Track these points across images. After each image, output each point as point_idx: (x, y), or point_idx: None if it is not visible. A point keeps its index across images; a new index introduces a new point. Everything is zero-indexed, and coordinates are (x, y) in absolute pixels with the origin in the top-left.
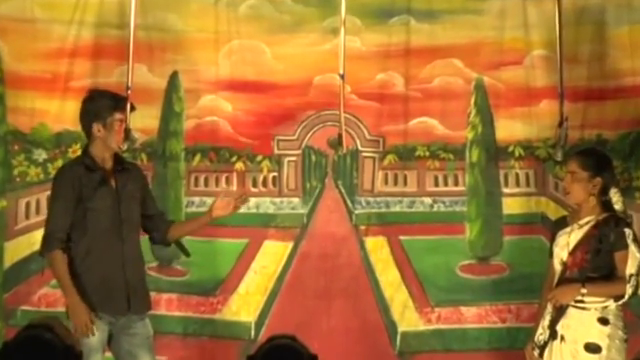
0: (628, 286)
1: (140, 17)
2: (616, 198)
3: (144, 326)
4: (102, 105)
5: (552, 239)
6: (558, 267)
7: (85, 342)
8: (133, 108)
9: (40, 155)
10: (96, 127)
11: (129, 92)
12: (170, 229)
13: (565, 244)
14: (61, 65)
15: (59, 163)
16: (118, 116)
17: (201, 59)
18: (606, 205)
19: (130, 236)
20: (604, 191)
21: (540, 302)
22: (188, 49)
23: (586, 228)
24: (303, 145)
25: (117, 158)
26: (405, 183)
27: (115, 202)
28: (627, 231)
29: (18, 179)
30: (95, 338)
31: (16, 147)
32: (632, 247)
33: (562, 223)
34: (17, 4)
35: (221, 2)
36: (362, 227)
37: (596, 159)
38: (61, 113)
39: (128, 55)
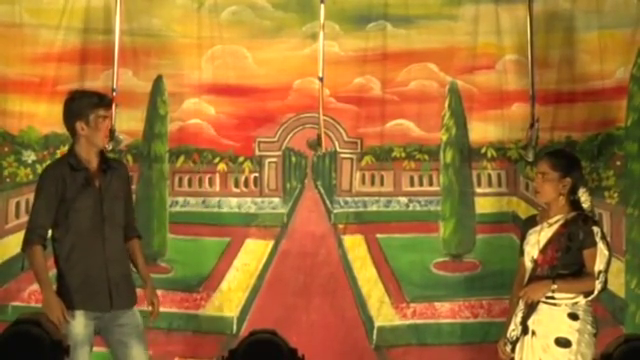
0: (597, 282)
1: (125, 23)
2: (584, 197)
3: (132, 316)
4: (84, 103)
5: (522, 238)
6: (529, 265)
7: (71, 337)
8: (111, 104)
9: (29, 156)
10: (79, 125)
11: (114, 95)
12: (128, 243)
13: (535, 242)
14: (49, 69)
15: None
16: (101, 113)
17: (185, 64)
18: (574, 204)
19: (112, 235)
20: (573, 191)
21: (511, 299)
22: (172, 54)
23: (555, 226)
24: (283, 147)
25: (102, 157)
26: (382, 183)
27: (98, 201)
28: (595, 229)
29: (8, 180)
30: (81, 333)
31: (6, 149)
32: (600, 244)
33: (532, 222)
34: (6, 10)
35: (204, 8)
36: (340, 226)
37: (566, 160)
38: (49, 116)
39: (114, 60)
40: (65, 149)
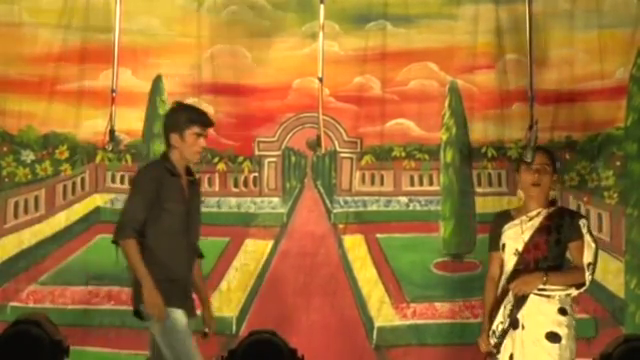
0: (587, 274)
1: (125, 22)
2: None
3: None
4: (181, 117)
5: (494, 233)
6: (512, 258)
7: (179, 328)
8: (211, 124)
9: (28, 156)
10: (174, 137)
11: (114, 95)
12: None
13: (518, 236)
14: (48, 68)
15: (47, 164)
16: (196, 130)
17: (184, 63)
18: (553, 200)
19: (195, 244)
20: None
21: (485, 294)
22: (171, 53)
23: (539, 219)
24: (283, 146)
25: (188, 170)
26: (382, 183)
27: (186, 210)
28: (582, 222)
29: (7, 180)
30: (186, 324)
31: (5, 149)
32: (587, 237)
33: (506, 217)
34: (5, 9)
35: (203, 8)
36: (340, 226)
37: (554, 158)
38: (48, 115)
39: (113, 59)
40: (64, 148)
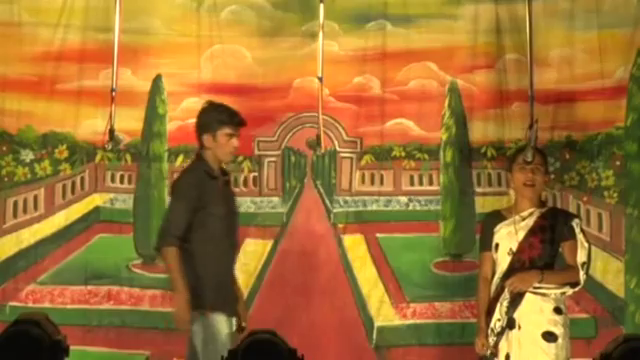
0: (582, 273)
1: (125, 21)
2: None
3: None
4: (212, 118)
5: (486, 232)
6: (506, 257)
7: (220, 338)
8: (243, 124)
9: (27, 156)
10: (206, 138)
11: (114, 94)
12: None
13: (510, 236)
14: (47, 68)
15: (46, 163)
16: (227, 131)
17: (184, 63)
18: (543, 201)
19: (237, 246)
20: None
21: (479, 296)
22: (171, 53)
23: (533, 219)
24: (283, 146)
25: (222, 171)
26: (382, 182)
27: (227, 211)
28: (575, 222)
29: (6, 179)
30: (229, 334)
31: (4, 148)
32: (580, 237)
33: (498, 217)
34: (4, 8)
35: (203, 7)
36: (340, 225)
37: (547, 159)
38: (47, 115)
39: (113, 58)
40: (63, 148)
